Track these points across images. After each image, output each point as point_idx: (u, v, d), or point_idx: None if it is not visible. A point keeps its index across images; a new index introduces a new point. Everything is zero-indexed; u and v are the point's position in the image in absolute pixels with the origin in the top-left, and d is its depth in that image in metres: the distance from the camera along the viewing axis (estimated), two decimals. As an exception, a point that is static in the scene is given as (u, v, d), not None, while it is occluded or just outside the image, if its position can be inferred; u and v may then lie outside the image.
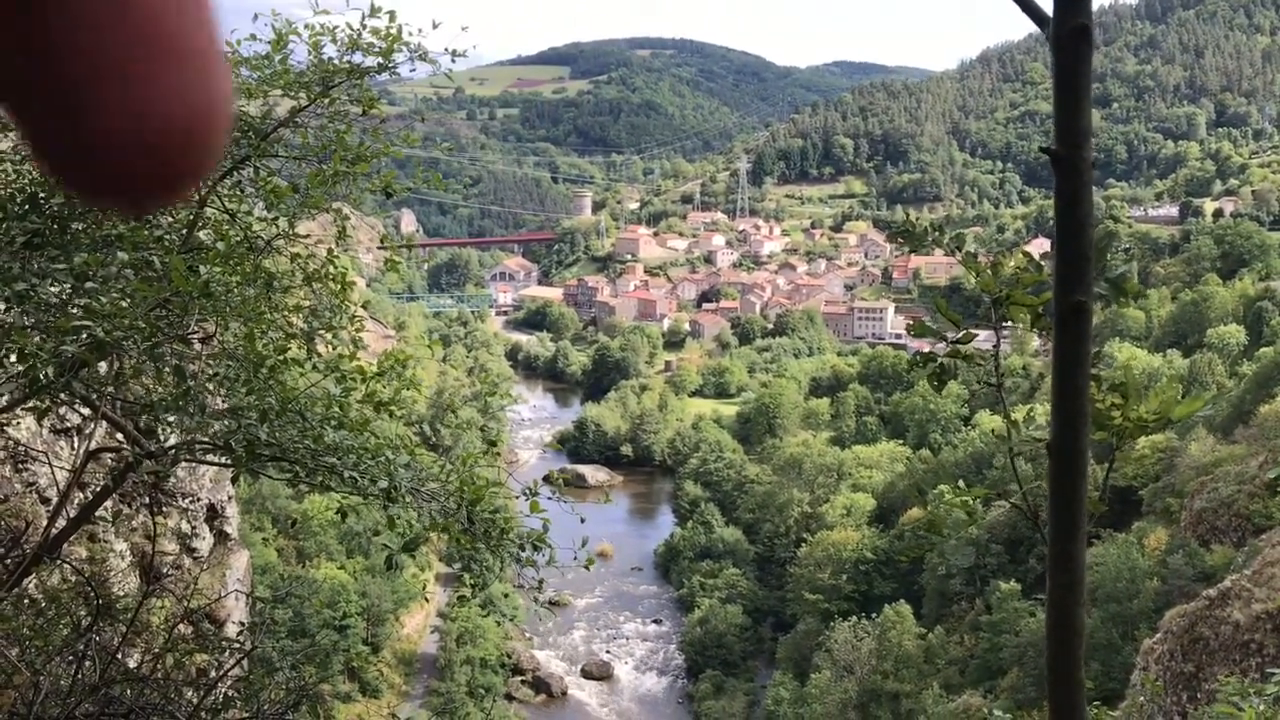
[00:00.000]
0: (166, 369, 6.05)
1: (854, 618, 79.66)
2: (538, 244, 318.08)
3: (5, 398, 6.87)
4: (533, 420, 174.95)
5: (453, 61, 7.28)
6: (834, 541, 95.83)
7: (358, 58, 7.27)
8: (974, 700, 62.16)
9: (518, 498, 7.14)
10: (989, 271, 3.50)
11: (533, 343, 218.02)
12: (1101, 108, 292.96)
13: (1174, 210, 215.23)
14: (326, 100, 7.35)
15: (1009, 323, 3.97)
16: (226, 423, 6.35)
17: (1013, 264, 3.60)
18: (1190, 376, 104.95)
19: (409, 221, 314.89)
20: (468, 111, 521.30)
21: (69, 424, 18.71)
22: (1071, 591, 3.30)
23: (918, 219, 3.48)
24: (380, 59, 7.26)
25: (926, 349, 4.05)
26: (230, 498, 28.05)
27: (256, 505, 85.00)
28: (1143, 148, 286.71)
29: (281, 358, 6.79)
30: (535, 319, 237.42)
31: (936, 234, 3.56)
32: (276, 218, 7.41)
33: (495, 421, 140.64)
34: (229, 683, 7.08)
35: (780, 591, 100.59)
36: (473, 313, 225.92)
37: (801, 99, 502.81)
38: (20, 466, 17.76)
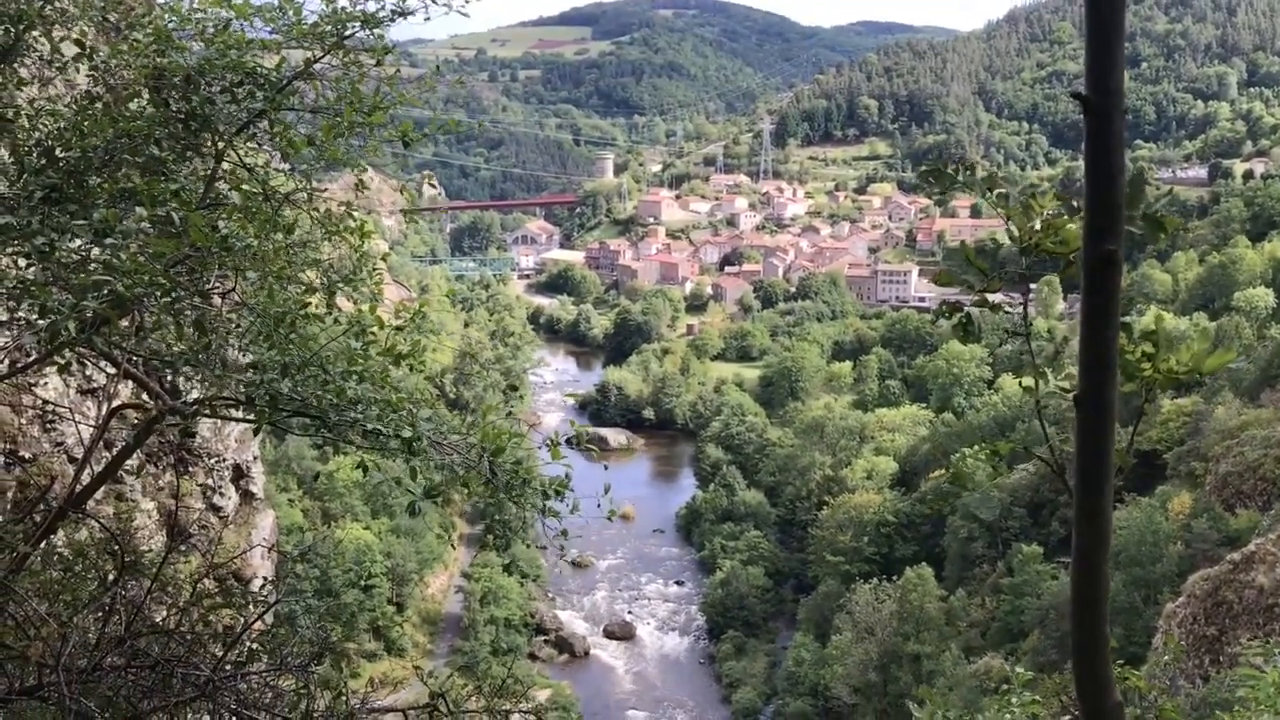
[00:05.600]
0: (186, 323, 6.06)
1: (875, 580, 79.86)
2: (559, 207, 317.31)
3: (33, 354, 6.90)
4: (555, 383, 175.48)
5: (466, 1, 7.16)
6: (855, 504, 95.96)
7: (371, 6, 7.20)
8: (994, 663, 62.29)
9: (539, 448, 7.12)
10: (1020, 212, 3.43)
11: (554, 306, 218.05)
12: (1131, 67, 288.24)
13: (1203, 172, 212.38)
14: (341, 52, 7.30)
15: (1034, 284, 3.91)
16: (250, 374, 6.37)
17: (1045, 204, 3.52)
18: (1217, 339, 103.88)
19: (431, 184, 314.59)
20: (489, 73, 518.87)
21: (95, 384, 18.88)
22: (1098, 545, 3.25)
23: (945, 161, 3.41)
24: (395, 3, 7.19)
25: (953, 300, 3.99)
26: (255, 458, 28.34)
27: (282, 466, 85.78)
28: (1172, 108, 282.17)
29: (302, 312, 6.78)
30: (557, 282, 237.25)
31: (968, 174, 3.48)
32: (294, 169, 7.38)
33: (519, 381, 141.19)
34: (253, 636, 7.14)
35: (801, 554, 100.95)
36: (495, 276, 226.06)
37: (826, 59, 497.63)
38: (48, 426, 17.96)
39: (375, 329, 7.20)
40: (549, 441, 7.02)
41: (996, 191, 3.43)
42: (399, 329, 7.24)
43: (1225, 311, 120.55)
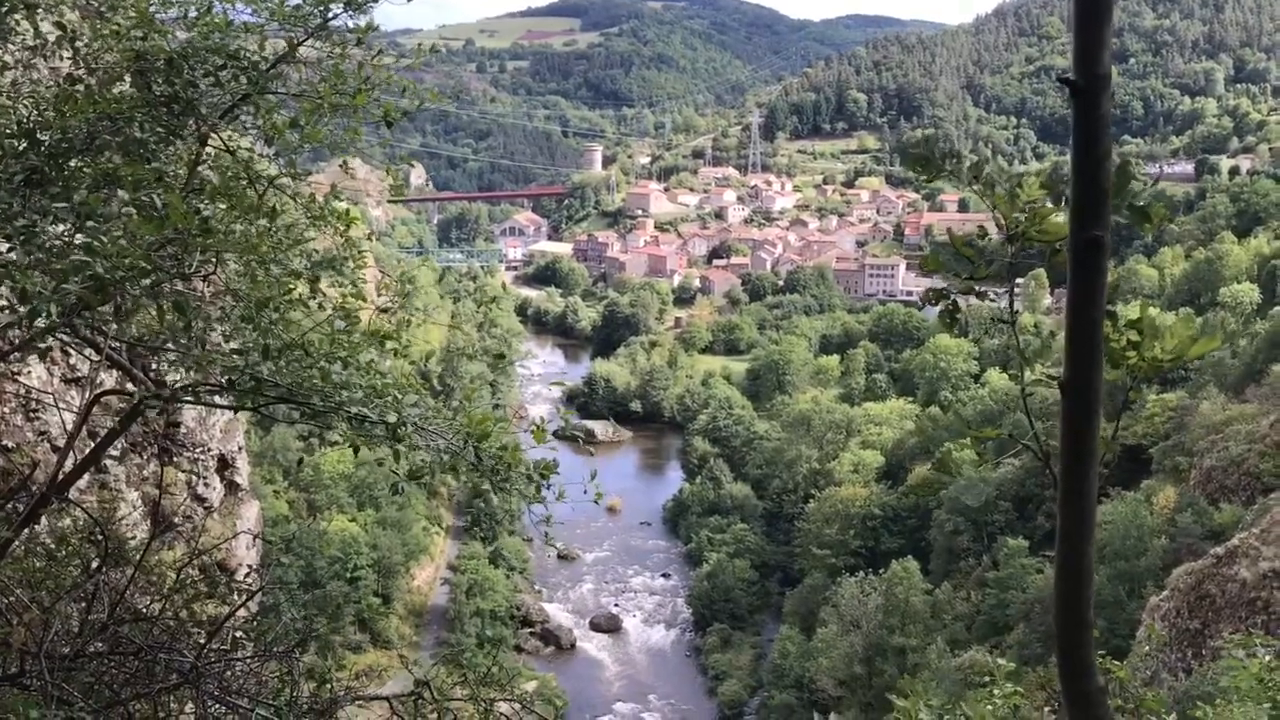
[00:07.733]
0: (166, 304, 6.02)
1: (861, 573, 79.98)
2: (548, 199, 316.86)
3: (15, 340, 6.85)
4: (542, 375, 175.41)
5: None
6: (842, 497, 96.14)
7: None
8: (979, 656, 62.43)
9: (524, 433, 7.07)
10: (1006, 198, 3.42)
11: (542, 298, 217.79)
12: (1119, 63, 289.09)
13: (1190, 167, 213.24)
14: (325, 34, 7.25)
15: (1021, 278, 3.90)
16: (233, 355, 6.32)
17: (1031, 191, 3.51)
18: (1201, 331, 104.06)
19: (419, 175, 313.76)
20: (477, 64, 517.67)
21: (79, 373, 18.78)
22: (1082, 529, 3.25)
23: (932, 147, 3.39)
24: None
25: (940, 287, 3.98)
26: (240, 449, 28.24)
27: (267, 458, 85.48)
28: (1159, 104, 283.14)
29: (286, 297, 6.74)
30: (545, 274, 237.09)
31: (955, 160, 3.47)
32: (278, 153, 7.33)
33: (505, 377, 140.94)
34: (237, 623, 7.12)
35: (788, 547, 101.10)
36: (482, 267, 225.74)
37: (815, 52, 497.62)
38: (32, 415, 17.85)
39: (359, 311, 7.17)
40: (534, 427, 6.99)
41: (984, 175, 3.42)
42: (383, 310, 7.22)
43: (1211, 307, 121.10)
